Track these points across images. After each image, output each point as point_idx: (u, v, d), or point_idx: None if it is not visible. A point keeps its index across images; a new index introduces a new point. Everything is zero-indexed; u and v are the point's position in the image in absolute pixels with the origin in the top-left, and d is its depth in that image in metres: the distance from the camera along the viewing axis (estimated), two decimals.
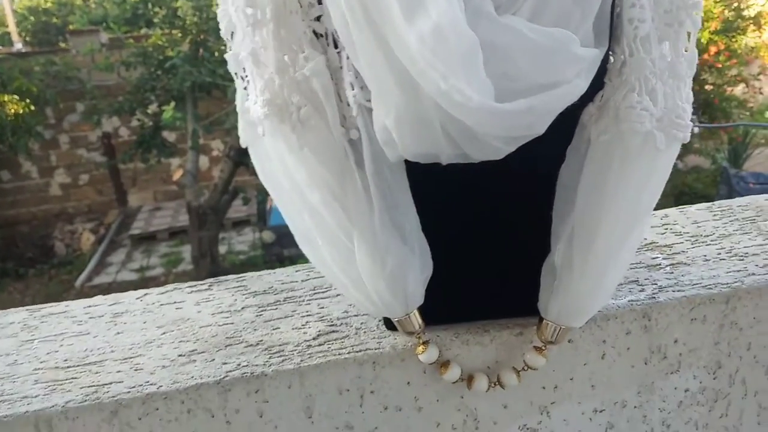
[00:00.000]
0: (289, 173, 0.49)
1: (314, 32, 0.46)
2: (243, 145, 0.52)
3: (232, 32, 0.49)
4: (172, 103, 5.14)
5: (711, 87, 4.44)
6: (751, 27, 4.40)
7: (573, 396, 0.59)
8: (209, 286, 0.68)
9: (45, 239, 6.42)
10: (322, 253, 0.51)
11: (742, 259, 0.65)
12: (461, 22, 0.37)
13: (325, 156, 0.47)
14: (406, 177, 0.49)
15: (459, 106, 0.39)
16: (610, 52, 0.49)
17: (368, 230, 0.48)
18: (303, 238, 0.52)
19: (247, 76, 0.49)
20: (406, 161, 0.46)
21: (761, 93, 4.70)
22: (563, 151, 0.51)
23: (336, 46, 0.45)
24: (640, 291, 0.60)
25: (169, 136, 5.72)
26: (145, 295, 0.67)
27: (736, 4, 4.37)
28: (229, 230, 6.23)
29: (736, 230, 0.72)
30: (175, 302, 0.66)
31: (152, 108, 5.35)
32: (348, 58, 0.44)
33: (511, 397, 0.58)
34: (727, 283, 0.61)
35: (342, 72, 0.46)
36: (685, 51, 0.47)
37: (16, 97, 5.37)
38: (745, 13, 4.38)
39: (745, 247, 0.68)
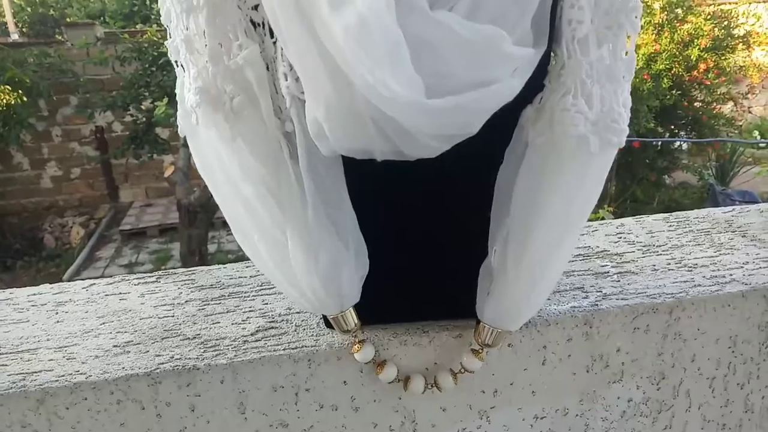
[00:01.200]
0: (223, 164, 0.48)
1: (251, 21, 0.46)
2: (181, 134, 0.52)
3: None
4: (165, 99, 5.12)
5: (700, 104, 4.47)
6: (741, 46, 4.44)
7: (513, 401, 0.59)
8: (157, 278, 0.68)
9: (35, 231, 6.38)
10: (258, 248, 0.51)
11: (691, 270, 0.65)
12: (387, 14, 0.37)
13: (259, 148, 0.46)
14: (342, 172, 0.49)
15: (386, 101, 0.38)
16: (552, 53, 0.49)
17: (302, 225, 0.47)
18: (239, 231, 0.51)
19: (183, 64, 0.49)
20: (343, 156, 0.46)
21: (750, 112, 4.73)
22: (502, 153, 0.50)
23: (272, 36, 0.45)
24: (584, 298, 0.60)
25: (162, 132, 5.69)
26: (92, 285, 0.67)
27: (726, 23, 4.42)
28: (219, 229, 6.21)
29: (689, 241, 0.72)
30: (120, 293, 0.65)
31: (146, 104, 5.33)
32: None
33: (450, 400, 0.58)
34: (672, 294, 0.60)
35: (277, 62, 0.45)
36: (625, 54, 0.47)
37: (8, 87, 5.34)
38: (735, 32, 4.43)
39: (695, 258, 0.68)
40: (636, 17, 0.46)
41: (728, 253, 0.68)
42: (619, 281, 0.63)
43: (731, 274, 0.64)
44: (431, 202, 0.52)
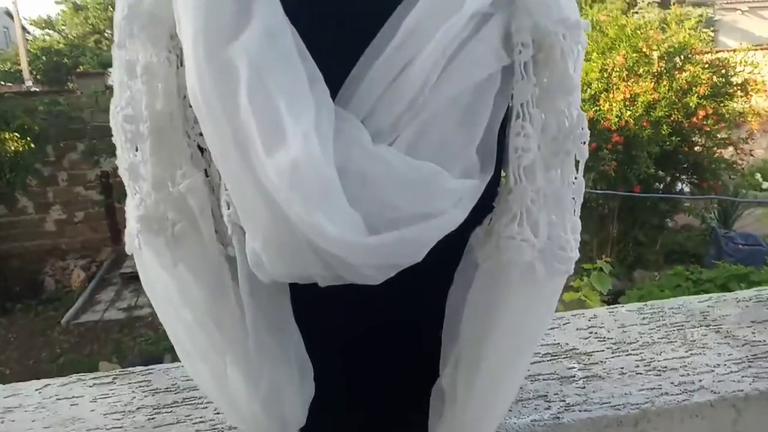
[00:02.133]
0: (165, 288, 0.48)
1: (198, 147, 0.46)
2: (128, 251, 0.51)
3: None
4: None
5: (700, 149, 4.47)
6: (739, 93, 4.46)
7: None
8: (113, 379, 0.66)
9: (35, 274, 6.38)
10: (199, 369, 0.50)
11: (659, 374, 0.63)
12: (319, 158, 0.37)
13: (200, 273, 0.46)
14: (287, 296, 0.48)
15: (323, 240, 0.38)
16: (503, 174, 0.48)
17: (242, 352, 0.46)
18: (181, 351, 0.50)
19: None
20: None
21: (752, 155, 4.72)
22: (452, 272, 0.49)
23: None
24: (546, 408, 0.58)
25: None
26: (45, 386, 0.65)
27: (723, 71, 4.45)
28: None
29: (662, 338, 0.70)
30: (72, 397, 0.63)
31: None
32: None
33: None
34: (638, 404, 0.58)
35: (221, 188, 0.45)
36: (573, 180, 0.46)
37: (17, 135, 5.42)
38: (733, 79, 4.46)
39: (665, 359, 0.66)
40: (584, 143, 0.45)
41: (700, 353, 0.66)
42: (584, 387, 0.61)
43: (701, 380, 0.62)
44: (380, 322, 0.50)
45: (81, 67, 9.89)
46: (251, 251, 0.42)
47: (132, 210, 0.47)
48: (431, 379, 0.51)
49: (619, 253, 4.30)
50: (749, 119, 4.51)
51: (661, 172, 4.47)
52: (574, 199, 0.46)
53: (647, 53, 4.35)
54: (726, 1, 9.53)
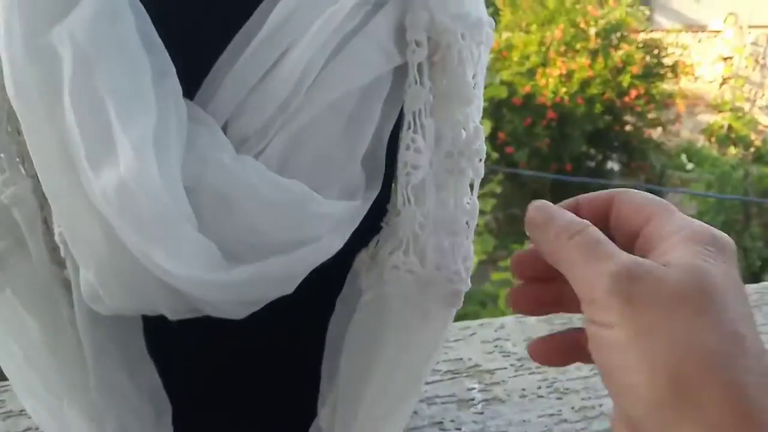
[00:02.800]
0: None
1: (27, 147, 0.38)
2: None
3: None
4: None
5: (631, 128, 4.59)
6: (669, 74, 4.58)
7: None
8: None
9: None
10: (37, 409, 0.43)
11: (561, 398, 0.60)
12: (153, 177, 0.30)
13: (31, 301, 0.39)
14: (138, 326, 0.41)
15: (166, 276, 0.32)
16: (394, 190, 0.42)
17: (82, 393, 0.40)
18: (15, 388, 0.43)
19: None
20: None
21: (677, 136, 4.89)
22: (333, 298, 0.44)
23: None
24: None
25: None
26: None
27: (656, 51, 4.54)
28: None
29: None
30: None
31: None
32: None
33: None
34: None
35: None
36: (468, 202, 0.40)
37: None
38: (665, 60, 4.57)
39: (568, 379, 0.63)
40: (480, 161, 0.39)
41: None
42: (482, 413, 0.58)
43: (600, 405, 0.59)
44: (249, 353, 0.44)
45: None
46: (84, 282, 0.35)
47: None
48: (308, 417, 0.46)
49: None
50: (677, 101, 4.64)
51: (592, 150, 4.56)
52: (467, 223, 0.40)
53: (585, 29, 4.38)
54: None
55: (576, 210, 0.34)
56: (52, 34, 0.30)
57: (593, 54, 4.34)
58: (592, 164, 4.72)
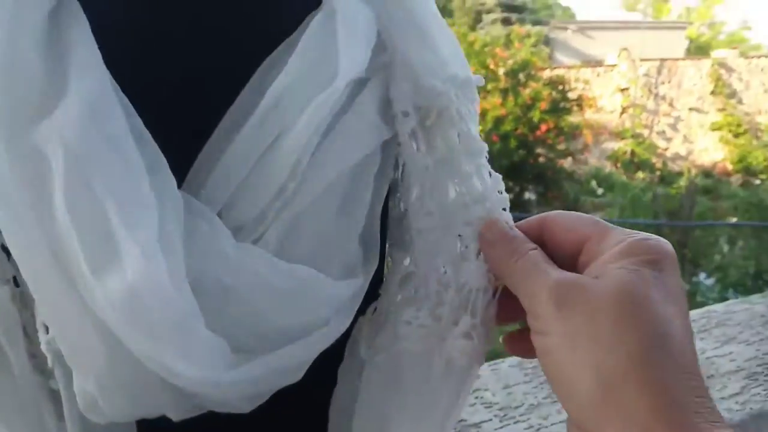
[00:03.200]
0: None
1: (2, 247, 0.35)
2: None
3: None
4: None
5: (544, 160, 4.82)
6: (575, 107, 4.88)
7: None
8: None
9: None
10: None
11: None
12: (165, 282, 0.28)
13: (13, 418, 0.36)
14: (133, 431, 0.38)
15: (178, 380, 0.30)
16: (389, 258, 0.41)
17: None
18: None
19: None
20: None
21: (586, 164, 5.19)
22: (333, 371, 0.42)
23: None
24: None
25: None
26: None
27: (561, 87, 4.84)
28: None
29: (546, 398, 0.69)
30: None
31: None
32: None
33: None
34: None
35: (36, 305, 0.34)
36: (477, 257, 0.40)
37: None
38: (569, 95, 4.87)
39: (551, 423, 0.64)
40: (504, 209, 0.39)
41: None
42: None
43: None
44: None
45: None
46: (81, 392, 0.32)
47: None
48: None
49: None
50: (584, 131, 4.94)
51: (510, 183, 4.75)
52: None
53: (494, 70, 4.61)
54: (558, 21, 10.44)
55: None
56: (37, 134, 0.28)
57: (504, 93, 4.57)
58: (511, 196, 4.88)
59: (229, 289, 0.31)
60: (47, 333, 0.33)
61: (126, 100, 0.30)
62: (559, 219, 0.35)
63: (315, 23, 0.34)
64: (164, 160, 0.31)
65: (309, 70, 0.33)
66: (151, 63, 0.34)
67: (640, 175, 4.95)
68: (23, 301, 0.35)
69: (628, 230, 0.32)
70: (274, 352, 0.32)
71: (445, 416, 0.42)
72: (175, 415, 0.34)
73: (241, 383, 0.31)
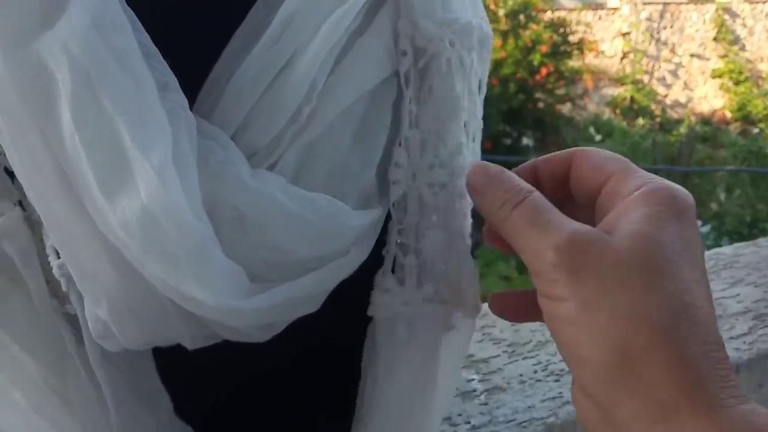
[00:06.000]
0: None
1: (6, 170, 0.33)
2: None
3: None
4: None
5: (543, 105, 4.77)
6: (575, 51, 4.79)
7: None
8: None
9: None
10: None
11: (558, 380, 0.61)
12: (181, 202, 0.27)
13: (31, 341, 0.35)
14: (149, 358, 0.37)
15: (196, 308, 0.29)
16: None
17: None
18: None
19: None
20: None
21: (585, 110, 5.14)
22: (346, 314, 0.41)
23: None
24: None
25: None
26: None
27: (562, 30, 4.73)
28: None
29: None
30: None
31: None
32: None
33: None
34: (542, 418, 0.56)
35: (44, 229, 0.33)
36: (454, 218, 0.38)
37: None
38: (570, 38, 4.76)
39: (560, 360, 0.64)
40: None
41: None
42: (487, 404, 0.58)
43: None
44: (269, 375, 0.42)
45: None
46: (93, 318, 0.31)
47: None
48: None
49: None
50: (584, 76, 4.86)
51: (508, 128, 4.70)
52: (455, 240, 0.36)
53: (495, 10, 4.49)
54: None
55: (534, 174, 0.33)
56: (39, 45, 0.26)
57: (504, 35, 4.46)
58: (509, 141, 4.87)
59: (246, 216, 0.29)
60: (58, 257, 0.32)
61: (132, 13, 0.28)
62: (588, 155, 0.32)
63: None
64: (175, 79, 0.29)
65: None
66: None
67: (640, 121, 4.91)
68: (31, 225, 0.33)
69: (649, 174, 0.29)
70: (292, 281, 0.31)
71: (424, 384, 0.40)
72: (190, 344, 0.33)
73: (259, 311, 0.30)
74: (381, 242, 0.37)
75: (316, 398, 0.43)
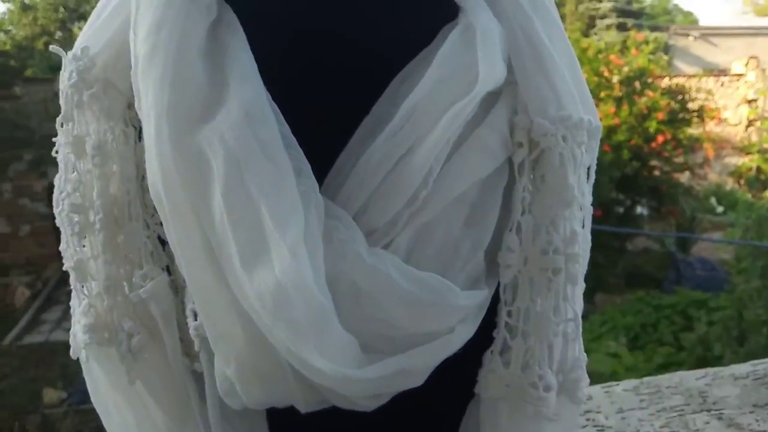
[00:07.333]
0: (119, 409, 0.40)
1: (159, 238, 0.38)
2: (73, 356, 0.43)
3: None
4: None
5: (659, 173, 4.57)
6: (695, 119, 4.58)
7: None
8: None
9: None
10: None
11: None
12: (309, 280, 0.30)
13: (162, 394, 0.39)
14: (264, 421, 0.40)
15: (313, 374, 0.31)
16: None
17: None
18: None
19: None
20: None
21: (705, 180, 4.86)
22: (465, 398, 0.42)
23: None
24: None
25: None
26: None
27: (680, 97, 4.56)
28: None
29: (663, 426, 0.65)
30: None
31: None
32: None
33: None
34: None
35: (187, 291, 0.37)
36: (565, 305, 0.38)
37: None
38: (690, 105, 4.58)
39: None
40: (579, 265, 0.37)
41: None
42: None
43: None
44: None
45: (29, 70, 9.48)
46: (222, 377, 0.35)
47: (79, 315, 0.39)
48: None
49: None
50: (704, 145, 4.63)
51: (621, 196, 4.54)
52: (563, 326, 0.37)
53: (608, 77, 4.43)
54: (679, 26, 9.88)
55: None
56: (201, 136, 0.31)
57: (618, 101, 4.37)
58: (621, 210, 4.69)
59: (362, 290, 0.32)
60: (195, 320, 0.36)
61: (276, 107, 0.32)
62: None
63: (454, 35, 0.35)
64: (308, 166, 0.33)
65: (447, 81, 0.33)
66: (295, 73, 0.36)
67: (767, 194, 4.57)
68: (174, 289, 0.38)
69: None
70: (401, 354, 0.33)
71: None
72: (303, 407, 0.35)
73: (369, 381, 0.32)
74: (486, 321, 0.39)
75: None
